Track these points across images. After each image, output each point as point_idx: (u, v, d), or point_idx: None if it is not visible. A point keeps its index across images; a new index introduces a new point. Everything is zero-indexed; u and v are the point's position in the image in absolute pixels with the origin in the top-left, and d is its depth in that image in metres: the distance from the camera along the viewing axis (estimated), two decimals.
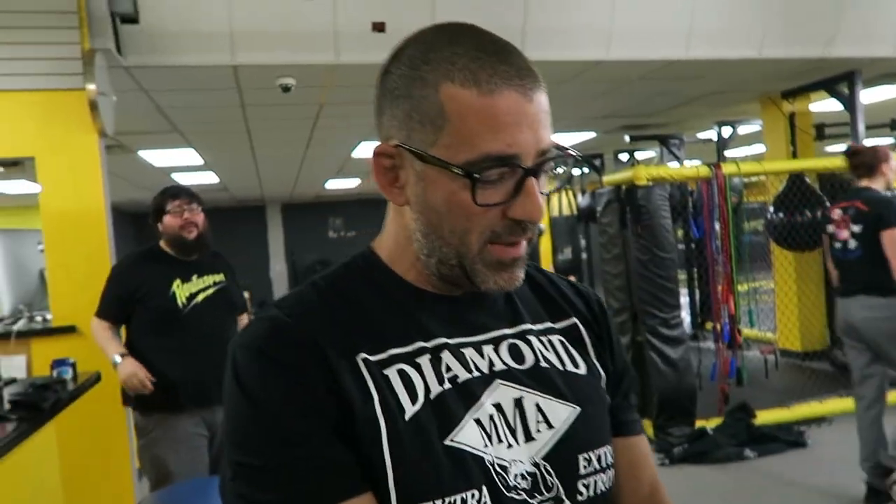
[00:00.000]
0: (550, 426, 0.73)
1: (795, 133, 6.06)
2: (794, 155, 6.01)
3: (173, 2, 3.79)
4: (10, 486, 1.94)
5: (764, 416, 4.35)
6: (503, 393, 0.72)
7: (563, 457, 0.72)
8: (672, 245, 4.44)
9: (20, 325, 3.16)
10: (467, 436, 0.68)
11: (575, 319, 0.82)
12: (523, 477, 0.69)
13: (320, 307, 0.72)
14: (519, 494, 0.69)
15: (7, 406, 1.90)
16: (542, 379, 0.75)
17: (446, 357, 0.72)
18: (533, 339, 0.78)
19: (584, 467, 0.73)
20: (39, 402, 1.88)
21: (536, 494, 0.70)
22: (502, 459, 0.69)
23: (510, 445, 0.70)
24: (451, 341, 0.73)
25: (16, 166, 3.43)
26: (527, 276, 0.81)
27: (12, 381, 2.27)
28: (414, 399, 0.68)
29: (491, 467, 0.68)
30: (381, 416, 0.66)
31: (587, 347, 0.81)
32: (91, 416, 2.60)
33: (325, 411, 0.65)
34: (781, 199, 5.47)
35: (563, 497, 0.71)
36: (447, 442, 0.67)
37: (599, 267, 6.02)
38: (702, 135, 7.91)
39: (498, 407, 0.71)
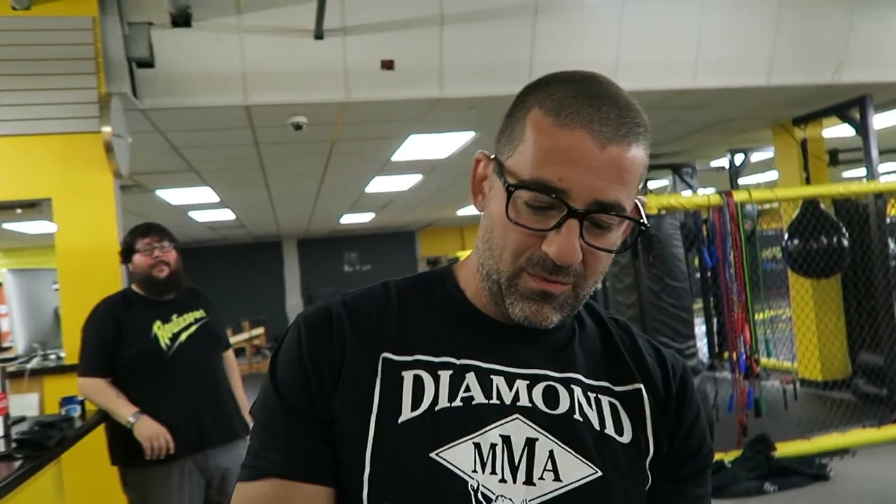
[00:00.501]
0: (558, 478, 0.70)
1: (808, 159, 6.03)
2: (808, 181, 5.97)
3: (187, 46, 3.91)
4: None
5: (784, 449, 4.24)
6: (517, 428, 0.71)
7: None
8: (684, 274, 4.41)
9: (34, 364, 3.21)
10: (457, 455, 0.68)
11: (640, 385, 0.78)
12: None
13: (376, 304, 0.78)
14: None
15: (13, 445, 1.93)
16: (569, 430, 0.72)
17: (469, 377, 0.73)
18: (577, 389, 0.75)
19: None
20: (44, 441, 1.90)
21: None
22: (488, 490, 0.68)
23: (503, 480, 0.68)
24: (482, 365, 0.74)
25: (33, 207, 3.51)
26: (604, 332, 0.81)
27: (21, 419, 2.31)
28: (416, 406, 0.70)
29: (472, 493, 0.67)
30: (374, 414, 0.70)
31: (645, 417, 0.76)
32: (98, 454, 2.60)
33: (319, 403, 0.71)
34: (796, 226, 5.43)
35: None
36: (433, 455, 0.68)
37: (613, 297, 5.98)
38: (715, 163, 7.90)
39: (506, 440, 0.70)
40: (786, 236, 5.54)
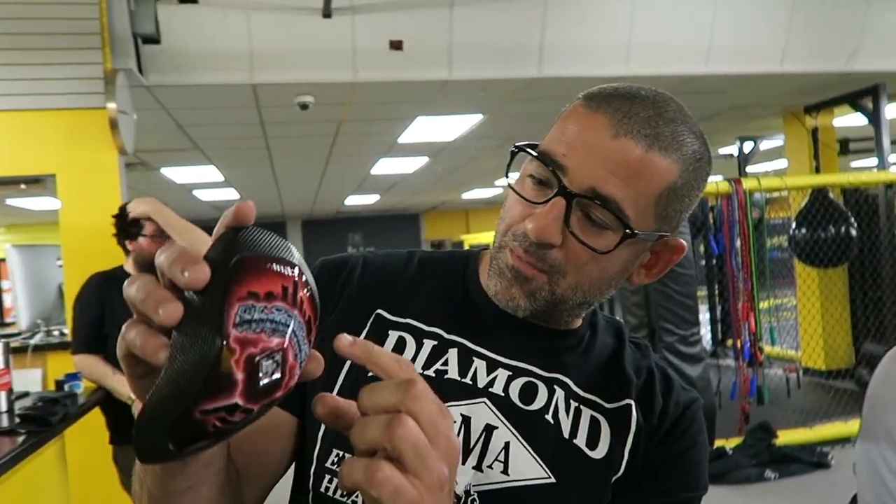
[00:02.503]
0: (506, 471, 0.67)
1: (818, 148, 5.98)
2: (818, 170, 5.92)
3: (194, 23, 3.87)
4: (20, 499, 1.95)
5: (786, 437, 4.25)
6: (481, 412, 0.70)
7: None
8: (690, 261, 4.39)
9: (37, 340, 3.21)
10: None
11: (630, 402, 0.73)
12: None
13: (393, 265, 0.79)
14: None
15: (16, 420, 1.93)
16: (534, 428, 0.70)
17: (451, 353, 0.72)
18: (560, 392, 0.72)
19: None
20: (48, 417, 1.91)
21: None
22: None
23: None
24: (469, 345, 0.73)
25: (37, 183, 3.50)
26: (617, 350, 0.77)
27: (24, 394, 2.31)
28: None
29: None
30: (350, 362, 0.70)
31: (628, 434, 0.72)
32: (99, 431, 2.61)
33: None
34: (804, 215, 5.39)
35: None
36: None
37: None
38: (723, 150, 7.84)
39: (466, 420, 0.69)
40: (793, 225, 5.50)
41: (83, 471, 2.85)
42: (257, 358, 0.40)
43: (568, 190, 0.64)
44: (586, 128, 0.65)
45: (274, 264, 0.43)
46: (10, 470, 1.68)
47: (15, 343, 3.05)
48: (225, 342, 0.39)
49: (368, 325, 0.74)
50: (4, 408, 2.05)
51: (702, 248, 6.23)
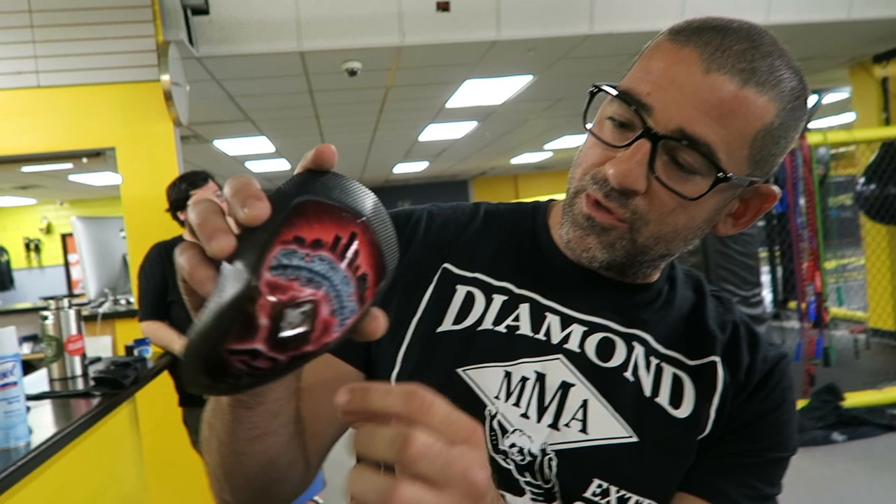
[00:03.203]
0: (584, 430, 0.65)
1: (889, 99, 5.67)
2: (888, 122, 5.63)
3: None
4: (96, 458, 2.04)
5: (853, 399, 4.12)
6: (556, 369, 0.67)
7: (576, 465, 0.64)
8: None
9: (105, 308, 3.33)
10: (483, 377, 0.66)
11: (716, 358, 0.69)
12: (520, 451, 0.65)
13: (459, 218, 0.76)
14: (507, 462, 0.64)
15: (91, 383, 2.01)
16: (612, 386, 0.67)
17: (523, 308, 0.69)
18: (640, 349, 0.69)
19: (594, 493, 0.64)
20: (121, 379, 1.98)
21: (527, 473, 0.64)
22: (506, 420, 0.65)
23: (526, 416, 0.65)
24: (541, 300, 0.70)
25: (98, 157, 3.60)
26: (699, 304, 0.73)
27: (97, 359, 2.40)
28: (459, 321, 0.68)
29: (489, 417, 0.65)
30: (417, 317, 0.69)
31: (714, 392, 0.68)
32: (168, 393, 2.71)
33: None
34: (874, 170, 5.14)
35: (558, 496, 0.64)
36: (459, 370, 0.66)
37: None
38: None
39: (540, 377, 0.66)
40: (861, 181, 5.26)
41: (154, 431, 2.96)
42: (283, 306, 0.38)
43: (653, 132, 0.59)
44: (674, 63, 0.60)
45: (335, 212, 0.40)
46: (88, 430, 1.75)
47: (85, 312, 3.16)
48: (255, 283, 0.37)
49: (435, 279, 0.71)
50: (79, 372, 2.13)
51: None
